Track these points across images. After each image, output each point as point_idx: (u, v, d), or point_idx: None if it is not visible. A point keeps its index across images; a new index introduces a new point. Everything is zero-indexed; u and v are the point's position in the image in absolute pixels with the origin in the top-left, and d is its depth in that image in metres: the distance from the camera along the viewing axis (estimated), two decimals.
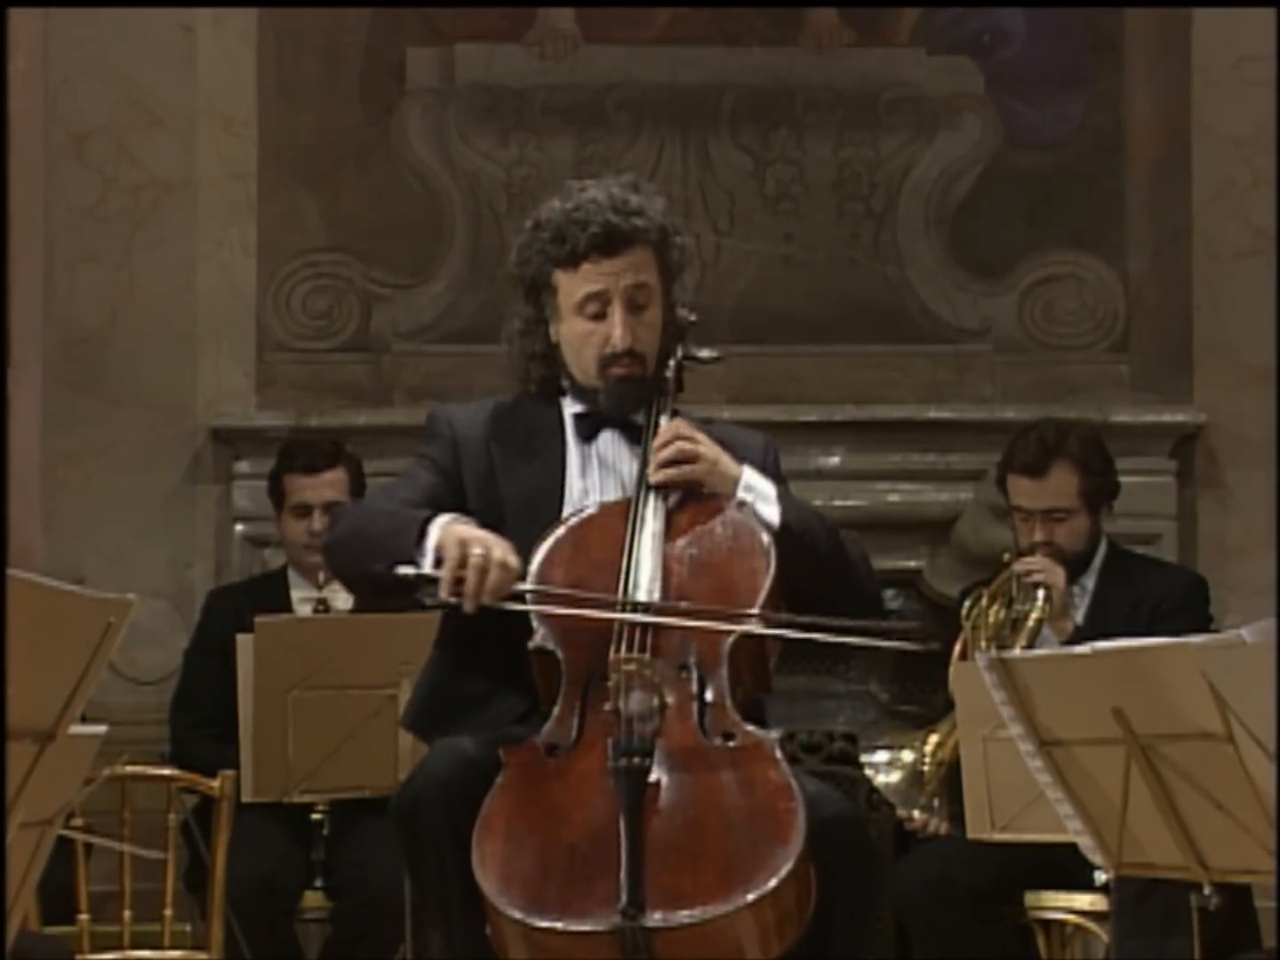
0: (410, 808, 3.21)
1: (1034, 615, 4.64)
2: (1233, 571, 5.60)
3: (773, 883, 3.06)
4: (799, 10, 5.85)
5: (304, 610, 5.00)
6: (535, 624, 3.28)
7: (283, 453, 5.14)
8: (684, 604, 3.28)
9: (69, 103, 5.60)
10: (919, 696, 5.54)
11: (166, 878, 4.28)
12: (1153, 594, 4.77)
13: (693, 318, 3.57)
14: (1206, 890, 3.04)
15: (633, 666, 3.20)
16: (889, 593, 5.80)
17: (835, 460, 5.69)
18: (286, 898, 4.70)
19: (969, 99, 5.86)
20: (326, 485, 5.02)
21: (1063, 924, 4.57)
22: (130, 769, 4.19)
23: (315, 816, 4.68)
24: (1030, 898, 4.56)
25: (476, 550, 3.20)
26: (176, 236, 5.64)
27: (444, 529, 3.26)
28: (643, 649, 3.23)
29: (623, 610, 3.26)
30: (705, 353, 3.57)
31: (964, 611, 4.72)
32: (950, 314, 5.85)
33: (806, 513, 3.45)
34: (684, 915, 3.04)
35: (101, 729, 2.82)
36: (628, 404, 3.46)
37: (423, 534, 3.26)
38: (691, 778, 3.16)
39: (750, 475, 3.41)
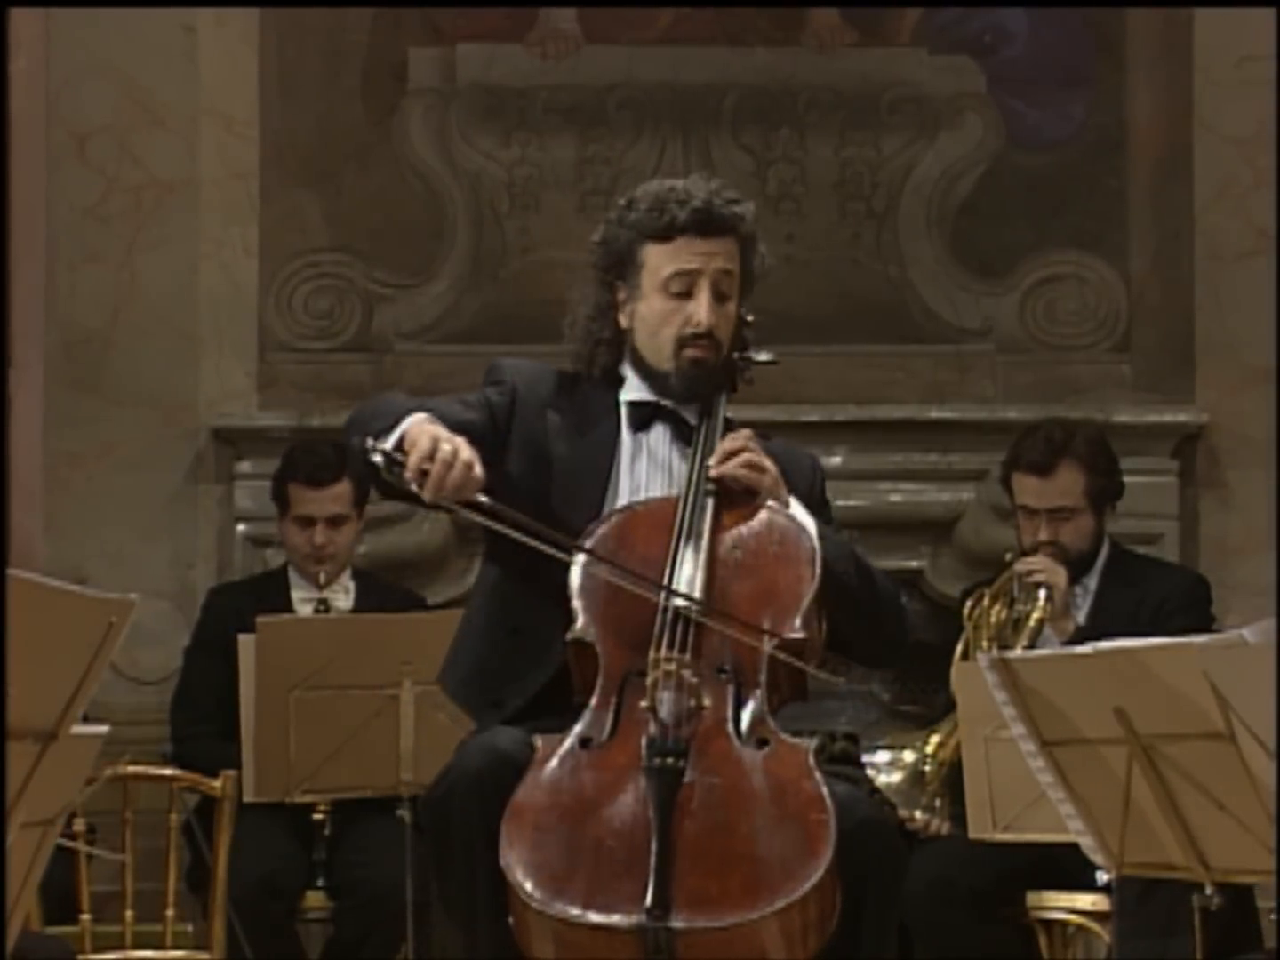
0: (442, 804, 3.21)
1: (1035, 615, 4.64)
2: (1234, 571, 5.60)
3: (799, 893, 3.06)
4: (801, 10, 5.85)
5: (305, 610, 5.00)
6: (577, 614, 3.27)
7: (287, 460, 5.12)
8: (719, 605, 3.26)
9: (71, 102, 5.61)
10: (921, 696, 5.54)
11: (168, 878, 4.29)
12: (1155, 594, 4.77)
13: (750, 318, 3.57)
14: (1208, 890, 3.04)
15: (672, 666, 3.19)
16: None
17: (837, 460, 5.69)
18: (288, 898, 4.71)
19: (971, 99, 5.86)
20: (330, 499, 5.02)
21: (1064, 924, 4.56)
22: (132, 769, 4.19)
23: (317, 816, 4.69)
24: (1032, 898, 4.55)
25: (445, 446, 3.17)
26: (178, 236, 5.64)
27: (418, 422, 3.22)
28: (683, 649, 3.22)
29: (665, 601, 3.22)
30: (763, 355, 3.56)
31: (966, 611, 4.73)
32: (952, 314, 5.85)
33: (845, 553, 3.42)
34: (709, 920, 3.04)
35: (103, 729, 2.82)
36: (696, 388, 3.46)
37: (398, 421, 3.24)
38: (724, 782, 3.15)
39: (798, 509, 3.40)
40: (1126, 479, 4.92)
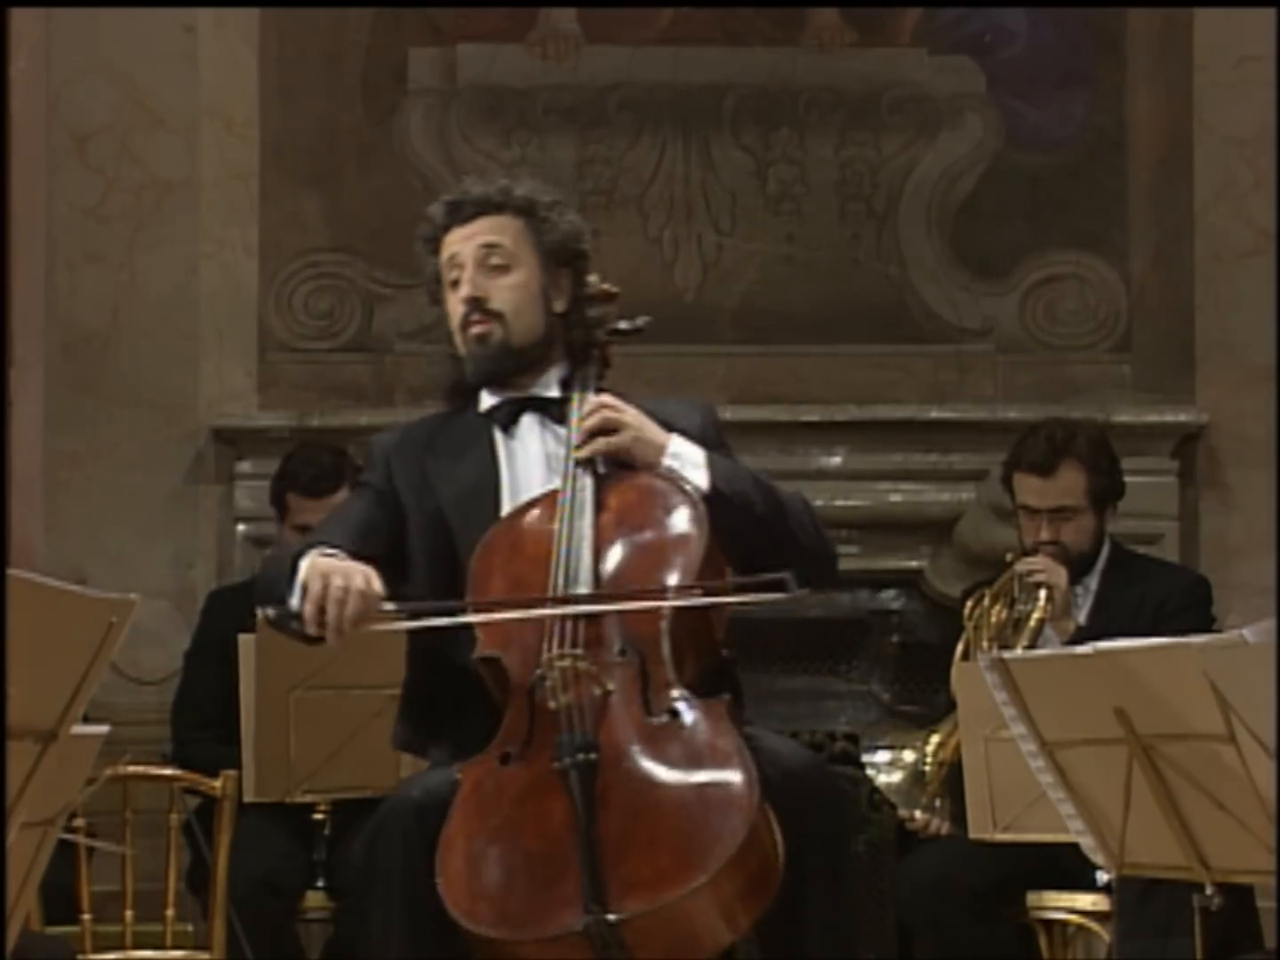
0: (365, 871, 3.24)
1: (1036, 615, 4.64)
2: (1235, 572, 5.60)
3: (729, 854, 3.04)
4: (801, 10, 5.85)
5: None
6: (476, 633, 3.28)
7: (285, 468, 5.11)
8: (610, 589, 3.25)
9: (71, 103, 5.61)
10: (921, 696, 5.54)
11: (169, 878, 4.29)
12: (1155, 594, 4.77)
13: (614, 290, 3.59)
14: (1208, 890, 3.04)
15: (566, 663, 3.19)
16: (889, 592, 5.80)
17: (837, 460, 5.70)
18: (288, 898, 4.70)
19: (971, 99, 5.86)
20: (330, 509, 5.00)
21: (1065, 924, 4.56)
22: (132, 769, 4.18)
23: (317, 816, 4.68)
24: (1032, 898, 4.55)
25: (336, 582, 3.22)
26: (178, 237, 5.64)
27: (308, 565, 3.29)
28: (575, 643, 3.21)
29: (549, 606, 3.23)
30: (625, 324, 3.59)
31: (966, 612, 4.72)
32: (952, 314, 5.85)
33: (738, 474, 3.42)
34: (647, 903, 3.03)
35: (104, 729, 2.82)
36: (492, 366, 3.50)
37: (295, 572, 3.30)
38: (640, 763, 3.14)
39: (678, 443, 3.41)
40: (1127, 479, 4.92)
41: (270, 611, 3.29)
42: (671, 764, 3.14)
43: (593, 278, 3.59)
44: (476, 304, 3.49)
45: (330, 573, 3.24)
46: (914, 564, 5.75)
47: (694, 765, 3.13)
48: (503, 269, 3.50)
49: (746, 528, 3.36)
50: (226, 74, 5.70)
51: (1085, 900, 4.46)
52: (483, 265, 3.50)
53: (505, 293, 3.50)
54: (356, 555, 3.34)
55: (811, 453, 5.66)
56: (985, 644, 4.61)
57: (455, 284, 3.52)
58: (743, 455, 3.68)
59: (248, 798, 4.43)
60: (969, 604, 4.73)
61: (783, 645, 5.78)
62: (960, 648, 4.66)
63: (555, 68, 5.83)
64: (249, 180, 5.73)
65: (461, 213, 3.53)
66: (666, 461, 3.38)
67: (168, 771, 4.45)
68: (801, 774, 3.20)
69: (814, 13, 5.85)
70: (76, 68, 5.60)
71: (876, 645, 5.84)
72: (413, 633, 3.35)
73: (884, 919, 5.60)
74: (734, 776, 3.10)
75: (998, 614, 4.69)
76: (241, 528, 5.63)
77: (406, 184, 5.81)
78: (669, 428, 3.44)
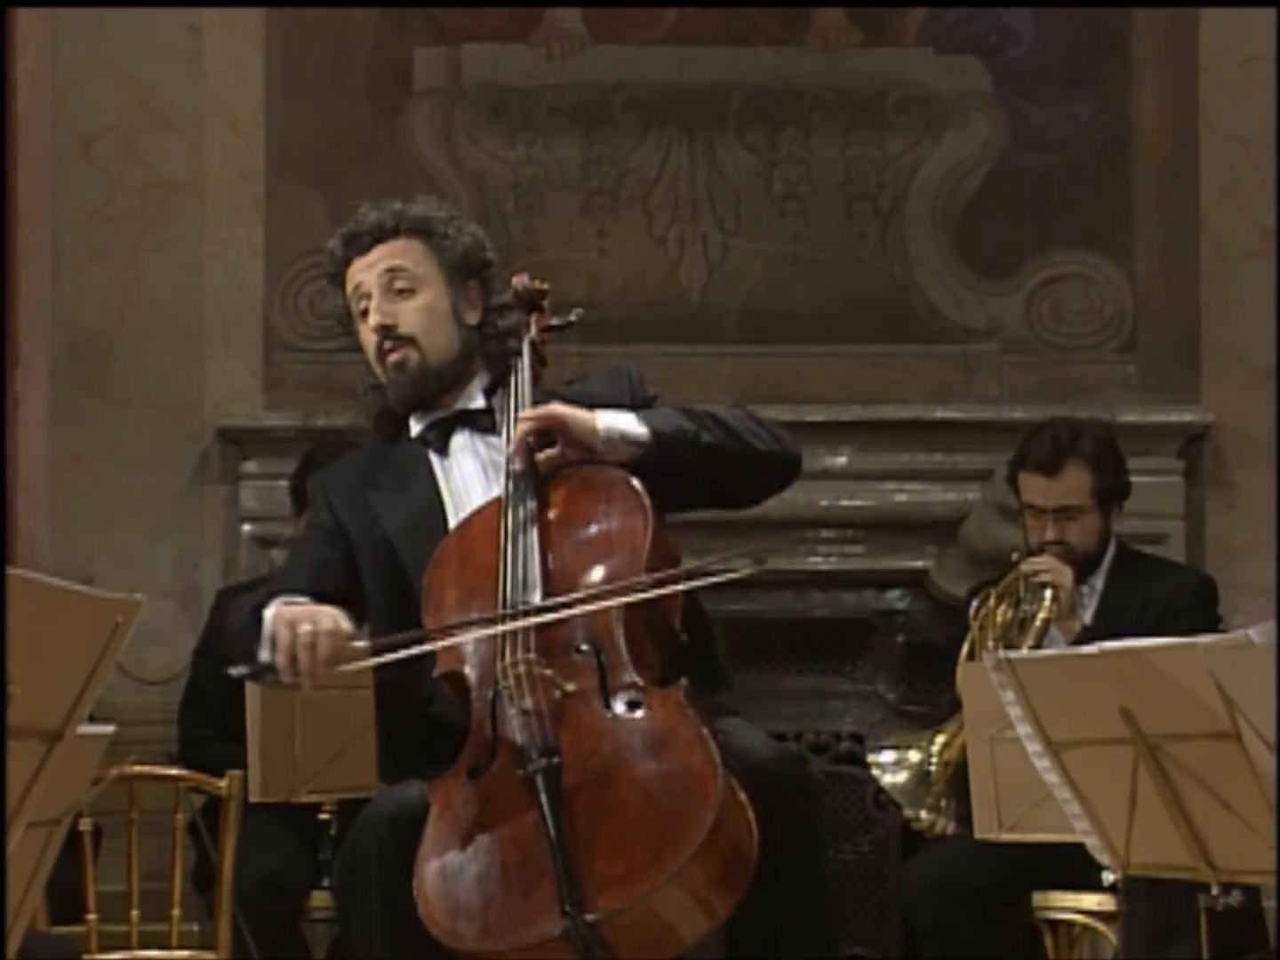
0: (344, 885, 3.26)
1: (1041, 615, 4.64)
2: (1240, 571, 5.60)
3: (697, 840, 3.03)
4: (806, 10, 5.85)
5: None
6: (437, 651, 3.28)
7: (308, 459, 5.12)
8: (561, 591, 3.25)
9: (77, 103, 5.61)
10: (926, 696, 5.54)
11: (175, 878, 4.29)
12: (1161, 594, 4.77)
13: (544, 286, 3.60)
14: (1214, 890, 3.03)
15: (521, 669, 3.19)
16: (895, 592, 5.80)
17: (842, 460, 5.70)
18: (294, 897, 4.71)
19: (976, 99, 5.85)
20: None
21: (1070, 924, 4.56)
22: (138, 769, 4.19)
23: (323, 816, 4.69)
24: (1038, 898, 4.55)
25: (304, 627, 3.22)
26: (184, 237, 5.65)
27: (274, 615, 3.29)
28: (528, 648, 3.21)
29: (504, 619, 3.23)
30: (556, 320, 3.60)
31: (971, 611, 4.72)
32: (957, 314, 5.84)
33: (673, 416, 3.42)
34: (623, 900, 3.02)
35: (109, 729, 2.82)
36: (413, 391, 3.50)
37: (259, 623, 3.30)
38: (605, 760, 3.14)
39: (606, 417, 3.40)
40: (1132, 479, 4.92)
41: (243, 669, 3.28)
42: (634, 757, 3.14)
43: (520, 278, 3.59)
44: (387, 331, 3.49)
45: (296, 620, 3.23)
46: (919, 564, 5.74)
47: (656, 755, 3.13)
48: (408, 292, 3.50)
49: (701, 459, 3.38)
50: (232, 74, 5.70)
51: (1091, 900, 4.46)
52: (388, 291, 3.50)
53: (414, 315, 3.50)
54: (318, 598, 3.33)
55: (817, 453, 5.65)
56: (990, 644, 4.61)
57: (365, 314, 3.52)
58: None
59: (253, 798, 4.43)
60: (974, 604, 4.73)
61: (788, 645, 5.79)
62: (965, 648, 4.65)
63: (560, 67, 5.83)
64: (254, 180, 5.73)
65: (359, 243, 3.54)
66: (601, 428, 3.37)
67: (173, 771, 4.45)
68: (771, 767, 3.19)
69: (819, 13, 5.85)
70: (82, 68, 5.60)
71: (882, 645, 5.84)
72: (381, 667, 3.33)
73: (889, 919, 5.60)
74: (696, 762, 3.09)
75: (1003, 614, 4.69)
76: (247, 528, 5.63)
77: (411, 184, 5.80)
78: (596, 401, 3.44)
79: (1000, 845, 4.09)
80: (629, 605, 3.23)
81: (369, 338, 3.53)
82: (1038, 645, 4.59)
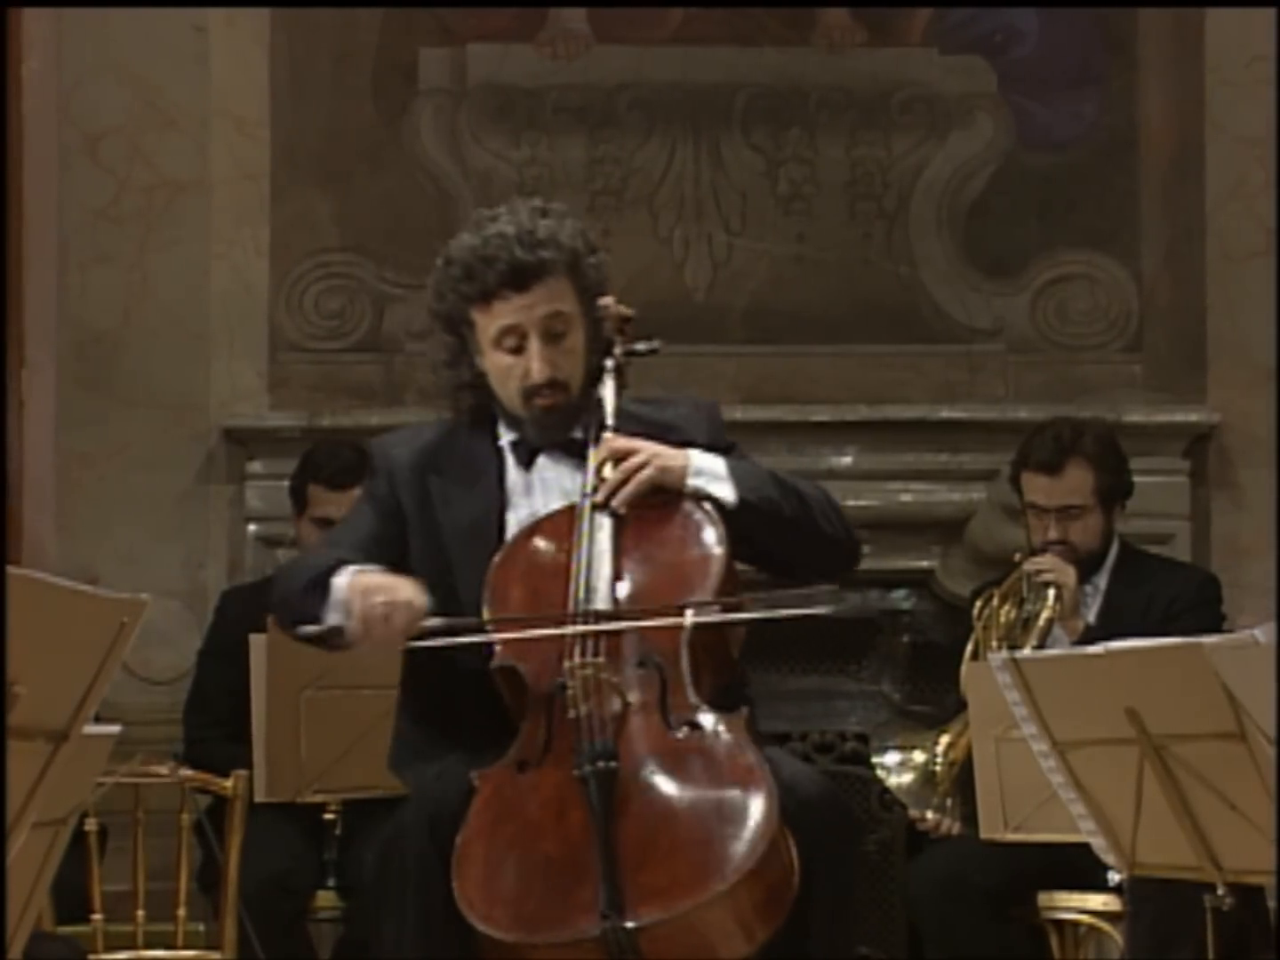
0: (378, 884, 3.24)
1: (1045, 614, 4.64)
2: (1246, 571, 5.60)
3: (748, 866, 3.06)
4: (811, 10, 5.85)
5: None
6: (497, 643, 3.29)
7: (308, 459, 5.12)
8: (628, 605, 3.27)
9: (82, 104, 5.61)
10: (931, 697, 5.54)
11: (180, 877, 4.29)
12: (1164, 593, 4.77)
13: (629, 312, 3.57)
14: (1220, 891, 3.03)
15: (589, 672, 3.21)
16: (900, 592, 5.80)
17: (847, 460, 5.69)
18: (299, 897, 4.70)
19: (981, 98, 5.85)
20: (349, 503, 5.01)
21: (1076, 924, 4.56)
22: (143, 769, 4.19)
23: (328, 816, 4.68)
24: (1043, 898, 4.55)
25: (379, 598, 3.23)
26: (189, 237, 5.65)
27: (349, 582, 3.29)
28: (596, 653, 3.23)
29: (575, 621, 3.25)
30: (642, 345, 3.57)
31: (975, 611, 4.72)
32: (963, 314, 5.84)
33: (762, 479, 3.43)
34: (664, 911, 3.04)
35: (115, 729, 2.83)
36: (556, 431, 3.47)
37: (326, 589, 3.30)
38: (659, 773, 3.16)
39: (698, 459, 3.41)
40: (1138, 479, 4.92)
41: (310, 629, 3.28)
42: (692, 776, 3.16)
43: (608, 300, 3.55)
44: (552, 381, 3.44)
45: (371, 589, 3.24)
46: (925, 564, 5.74)
47: (714, 778, 3.15)
48: (561, 335, 3.45)
49: (776, 530, 3.38)
50: (237, 74, 5.70)
51: (1096, 900, 4.45)
52: (548, 337, 3.44)
53: (566, 360, 3.45)
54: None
55: (822, 453, 5.65)
56: (994, 644, 4.61)
57: (513, 350, 3.44)
58: (753, 455, 3.68)
59: (258, 798, 4.43)
60: (978, 604, 4.73)
61: (793, 645, 5.78)
62: (970, 648, 4.65)
63: (565, 67, 5.83)
64: (260, 180, 5.73)
65: (522, 279, 3.42)
66: (691, 481, 3.38)
67: (179, 771, 4.45)
68: (818, 803, 3.22)
69: (824, 12, 5.85)
70: (87, 68, 5.61)
71: (887, 645, 5.83)
72: (421, 650, 3.33)
73: (894, 919, 5.60)
74: (755, 791, 3.12)
75: (1007, 614, 4.69)
76: (252, 528, 5.63)
77: (417, 184, 5.81)
78: (673, 431, 3.44)
79: (1005, 845, 4.10)
80: (697, 629, 3.25)
81: (513, 372, 3.44)
82: (1041, 645, 4.59)
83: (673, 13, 5.85)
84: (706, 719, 3.21)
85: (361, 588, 3.25)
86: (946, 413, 5.72)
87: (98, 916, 4.18)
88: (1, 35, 5.31)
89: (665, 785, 3.15)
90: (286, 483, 5.22)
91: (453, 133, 5.82)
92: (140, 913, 4.24)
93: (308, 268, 5.79)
